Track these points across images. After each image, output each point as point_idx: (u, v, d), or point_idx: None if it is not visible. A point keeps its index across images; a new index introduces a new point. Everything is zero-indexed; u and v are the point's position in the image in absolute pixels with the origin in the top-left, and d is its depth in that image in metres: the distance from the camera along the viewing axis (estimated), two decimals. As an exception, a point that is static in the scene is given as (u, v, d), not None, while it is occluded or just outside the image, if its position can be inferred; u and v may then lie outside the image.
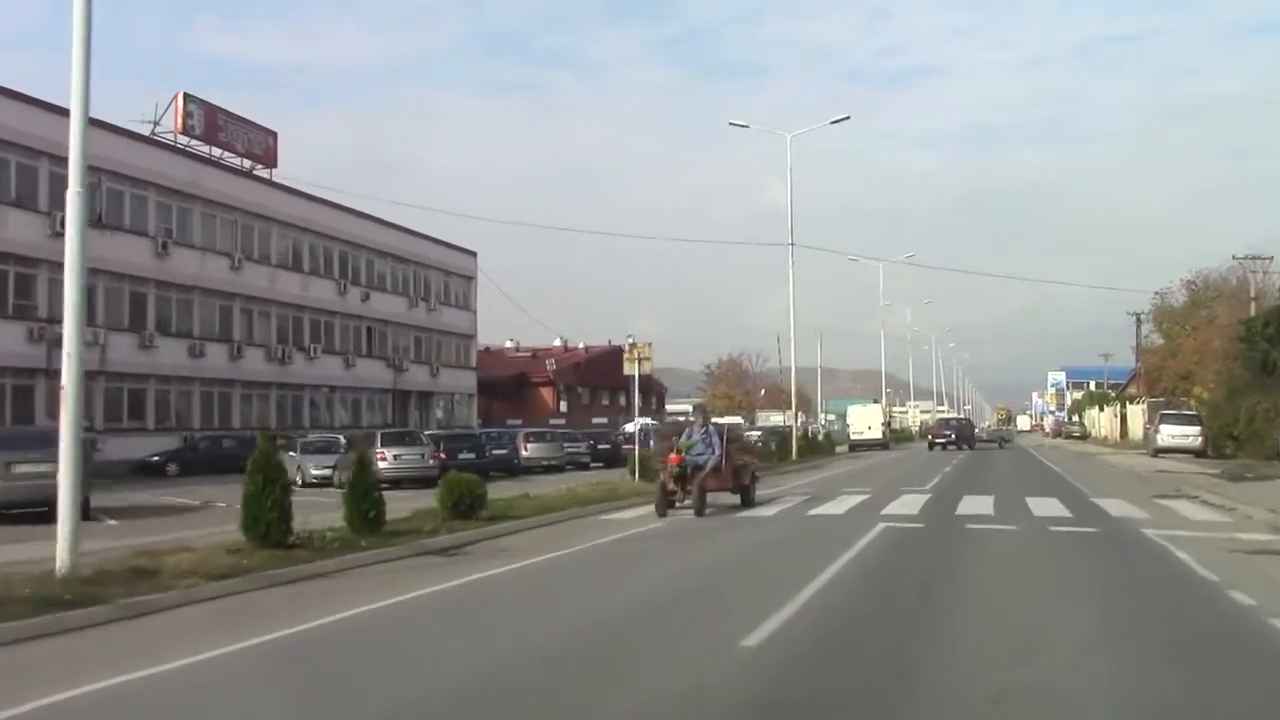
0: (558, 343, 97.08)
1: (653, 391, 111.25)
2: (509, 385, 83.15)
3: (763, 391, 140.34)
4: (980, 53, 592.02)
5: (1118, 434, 71.36)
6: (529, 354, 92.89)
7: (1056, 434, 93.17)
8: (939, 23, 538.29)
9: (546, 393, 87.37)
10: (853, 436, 66.00)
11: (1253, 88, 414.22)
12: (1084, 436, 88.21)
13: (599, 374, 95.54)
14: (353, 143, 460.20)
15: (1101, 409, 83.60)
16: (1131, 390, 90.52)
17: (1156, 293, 74.28)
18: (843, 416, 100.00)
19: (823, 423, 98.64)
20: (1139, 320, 79.50)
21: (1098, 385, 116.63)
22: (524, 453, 41.33)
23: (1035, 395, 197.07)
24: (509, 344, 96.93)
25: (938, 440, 60.00)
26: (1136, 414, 62.68)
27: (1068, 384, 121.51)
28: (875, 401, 77.45)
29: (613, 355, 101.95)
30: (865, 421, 65.70)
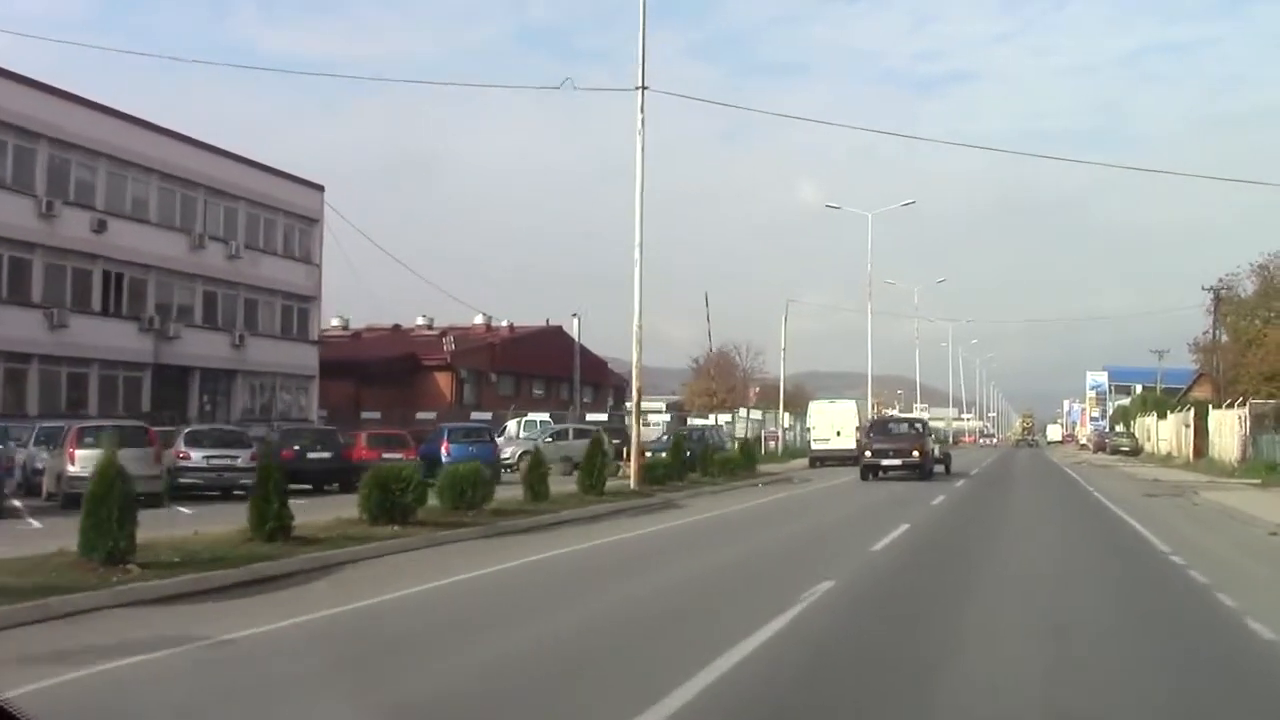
0: (479, 320, 78.31)
1: (606, 384, 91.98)
2: (387, 368, 64.22)
3: (755, 390, 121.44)
4: (1024, 59, 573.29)
5: (1190, 450, 51.57)
6: (438, 333, 74.31)
7: (1099, 448, 73.28)
8: (983, 29, 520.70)
9: (443, 379, 68.42)
10: (814, 445, 46.71)
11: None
12: (1135, 451, 68.35)
13: (530, 359, 76.74)
14: (388, 136, 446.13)
15: (1162, 416, 63.57)
16: (1198, 393, 70.75)
17: (1220, 280, 61.51)
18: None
19: (784, 426, 79.15)
20: (1216, 298, 60.06)
21: (1145, 388, 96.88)
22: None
23: (1068, 402, 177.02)
24: (421, 320, 78.38)
25: (877, 462, 32.32)
26: (1226, 423, 42.97)
27: (1110, 387, 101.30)
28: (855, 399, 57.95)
29: (550, 337, 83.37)
30: (832, 424, 46.44)
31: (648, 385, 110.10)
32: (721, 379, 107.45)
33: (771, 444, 51.22)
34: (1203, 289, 61.51)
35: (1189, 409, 54.32)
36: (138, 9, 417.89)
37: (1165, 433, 60.97)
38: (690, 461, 29.85)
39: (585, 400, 79.51)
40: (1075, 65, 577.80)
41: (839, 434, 46.42)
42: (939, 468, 34.71)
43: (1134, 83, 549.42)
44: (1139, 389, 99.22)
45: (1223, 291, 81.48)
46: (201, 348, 45.70)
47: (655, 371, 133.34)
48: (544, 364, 79.01)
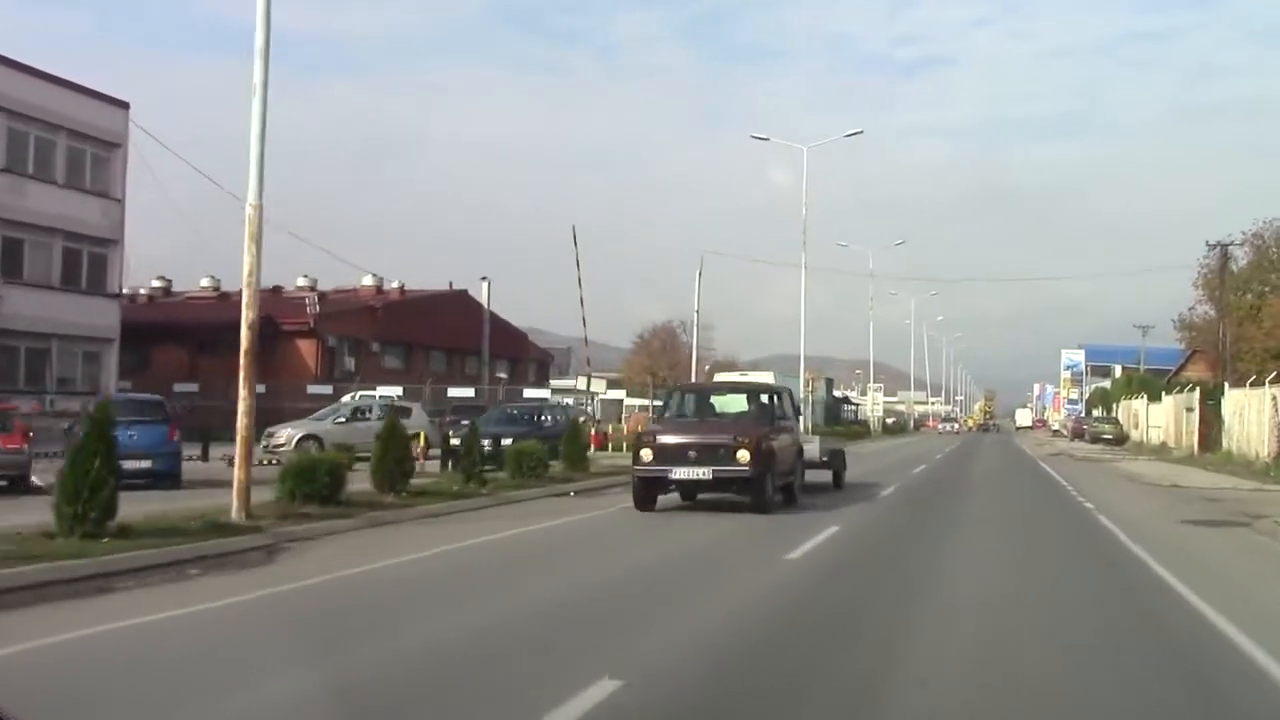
0: (368, 281, 67.55)
1: (525, 357, 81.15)
2: (231, 334, 53.07)
3: (707, 367, 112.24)
4: (1000, 44, 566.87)
5: (1193, 439, 41.64)
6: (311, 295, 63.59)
7: (1076, 435, 63.32)
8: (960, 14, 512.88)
9: (306, 347, 57.53)
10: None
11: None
12: (1120, 439, 58.53)
13: (428, 327, 66.06)
14: (362, 115, 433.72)
15: (1154, 399, 53.60)
16: (1191, 373, 61.10)
17: (1211, 248, 55.71)
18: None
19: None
20: (1224, 254, 50.43)
21: (1126, 369, 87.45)
22: None
23: (1038, 385, 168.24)
24: (302, 281, 67.44)
25: (665, 473, 16.94)
26: (1251, 406, 32.88)
27: (1087, 368, 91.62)
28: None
29: (453, 303, 72.67)
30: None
31: (591, 361, 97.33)
32: (664, 355, 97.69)
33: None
34: (1207, 244, 51.71)
35: (1190, 389, 44.41)
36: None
37: (1158, 418, 51.10)
38: (483, 457, 19.42)
39: (501, 375, 69.92)
40: (1052, 49, 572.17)
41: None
42: (818, 478, 20.84)
43: (1110, 69, 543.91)
44: (1118, 370, 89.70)
45: (1210, 264, 73.39)
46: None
47: (601, 347, 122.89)
48: (447, 334, 67.92)
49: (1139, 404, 57.47)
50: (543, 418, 25.86)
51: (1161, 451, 44.66)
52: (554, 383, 68.35)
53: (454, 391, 45.55)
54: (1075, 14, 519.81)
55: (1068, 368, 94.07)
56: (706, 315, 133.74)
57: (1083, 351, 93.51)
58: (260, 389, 17.83)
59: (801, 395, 49.88)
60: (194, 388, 45.32)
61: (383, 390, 44.49)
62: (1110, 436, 58.97)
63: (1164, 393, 50.02)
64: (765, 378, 37.62)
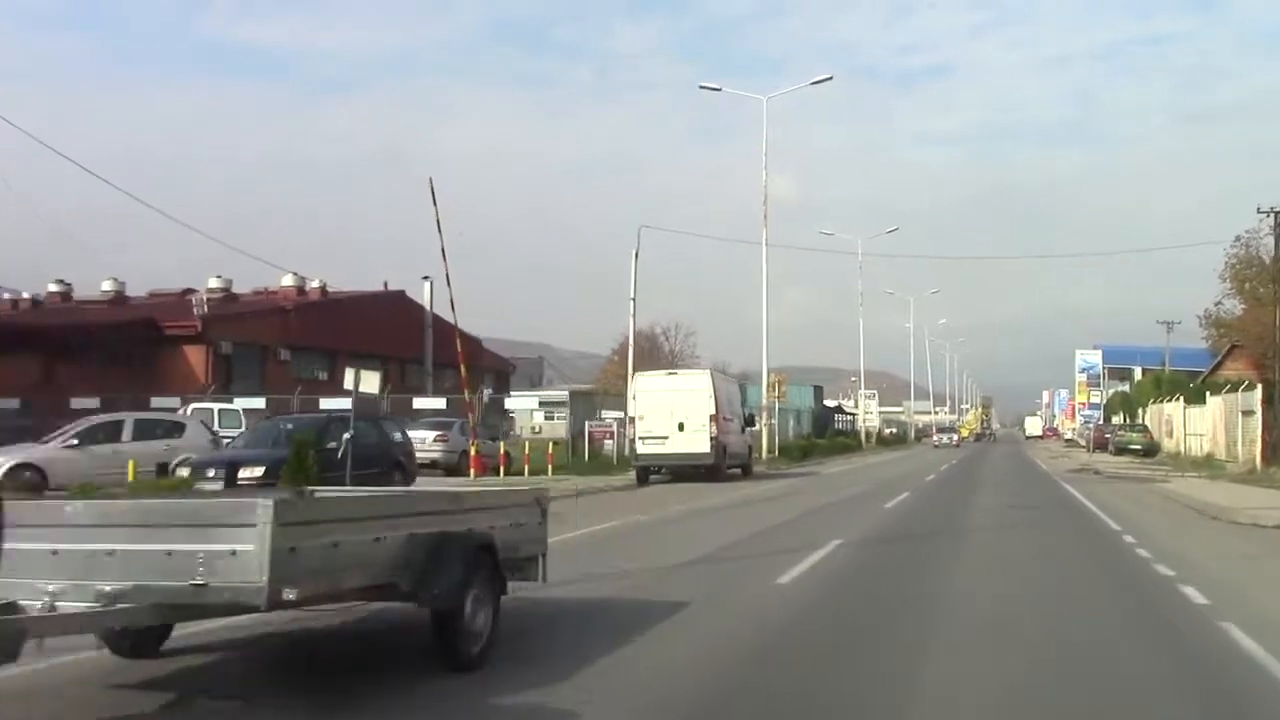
0: (288, 281, 59.21)
1: (479, 365, 72.15)
2: (110, 340, 45.18)
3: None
4: (999, 52, 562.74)
5: (1252, 450, 33.01)
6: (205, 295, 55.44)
7: (1099, 445, 54.37)
8: (959, 21, 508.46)
9: (194, 354, 49.06)
10: (641, 445, 27.57)
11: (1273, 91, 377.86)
12: (1150, 450, 49.84)
13: (360, 332, 57.55)
14: (363, 130, 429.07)
15: (1196, 400, 44.76)
16: (1230, 371, 52.73)
17: (1238, 238, 51.62)
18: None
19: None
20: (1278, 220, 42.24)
21: (1145, 371, 78.83)
22: None
23: (1047, 392, 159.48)
24: (215, 283, 59.24)
25: None
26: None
27: (1105, 370, 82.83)
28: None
29: (389, 305, 64.73)
30: (670, 411, 27.38)
31: (565, 370, 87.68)
32: (640, 363, 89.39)
33: (609, 441, 32.73)
34: (1258, 211, 43.39)
35: (1244, 387, 35.77)
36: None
37: (1199, 424, 42.46)
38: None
39: (449, 385, 61.64)
40: (1051, 57, 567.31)
41: (682, 427, 27.41)
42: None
43: (1109, 75, 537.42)
44: (1139, 373, 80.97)
45: (1236, 253, 64.86)
46: None
47: (576, 356, 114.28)
48: (382, 339, 59.31)
49: (1172, 408, 48.71)
50: (329, 436, 17.40)
51: (1210, 466, 35.99)
52: (517, 394, 60.10)
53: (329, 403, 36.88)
54: (1073, 20, 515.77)
55: (1083, 370, 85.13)
56: (690, 321, 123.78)
57: (1099, 352, 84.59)
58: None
59: (764, 400, 41.49)
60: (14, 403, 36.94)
61: (245, 403, 36.09)
62: (1139, 447, 50.27)
63: (1208, 393, 41.26)
64: (699, 377, 28.95)
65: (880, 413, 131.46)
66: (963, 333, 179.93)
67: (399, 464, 18.86)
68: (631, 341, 39.01)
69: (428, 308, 59.35)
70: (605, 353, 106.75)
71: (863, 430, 70.71)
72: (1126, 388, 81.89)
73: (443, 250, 25.76)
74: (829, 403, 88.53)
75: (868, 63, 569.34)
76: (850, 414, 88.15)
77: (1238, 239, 76.22)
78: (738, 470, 30.82)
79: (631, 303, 37.92)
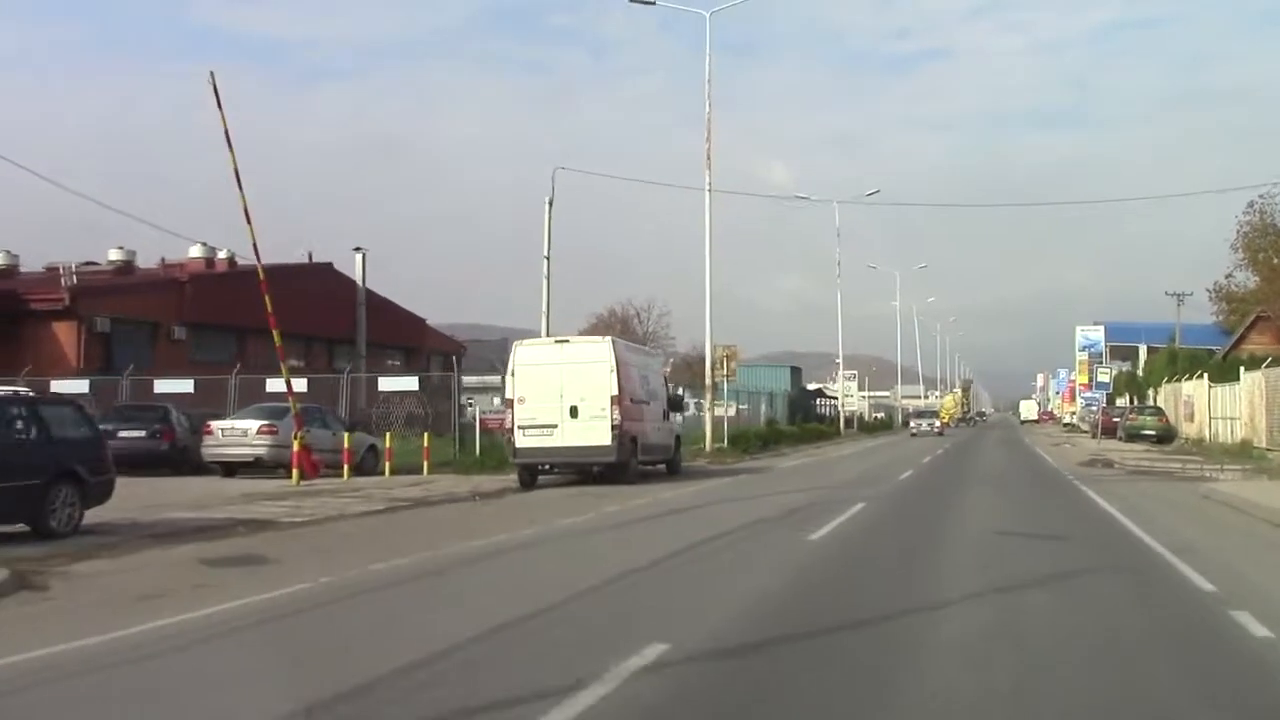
0: (196, 253, 52.27)
1: (423, 347, 65.35)
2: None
3: (670, 363, 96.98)
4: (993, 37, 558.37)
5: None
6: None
7: (1107, 431, 47.25)
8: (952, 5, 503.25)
9: (64, 331, 42.21)
10: (522, 434, 20.83)
11: (1270, 75, 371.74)
12: (1167, 437, 43.28)
13: (276, 308, 49.81)
14: (358, 117, 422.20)
15: (1228, 378, 37.94)
16: (1255, 344, 46.50)
17: (1250, 205, 51.26)
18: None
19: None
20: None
21: (1151, 349, 72.35)
22: None
23: (1041, 376, 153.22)
24: (116, 255, 52.61)
25: None
26: None
27: (1108, 349, 76.17)
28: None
29: (315, 279, 57.89)
30: (559, 392, 20.70)
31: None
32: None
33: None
34: None
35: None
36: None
37: (1230, 405, 35.84)
38: None
39: (394, 363, 55.88)
40: (1045, 42, 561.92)
41: (575, 413, 20.70)
42: None
43: (1103, 59, 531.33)
44: (1143, 351, 74.31)
45: (1249, 219, 59.20)
46: None
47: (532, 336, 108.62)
48: (305, 317, 52.28)
49: (1194, 387, 41.95)
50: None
51: (1248, 455, 29.38)
52: (470, 379, 53.41)
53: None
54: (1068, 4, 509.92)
55: (1084, 348, 78.23)
56: (663, 301, 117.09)
57: (1101, 329, 77.79)
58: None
59: (709, 377, 34.86)
60: None
61: (68, 385, 29.41)
62: (1153, 433, 43.64)
63: (1242, 369, 34.51)
64: (598, 346, 22.12)
65: (870, 397, 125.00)
66: (957, 319, 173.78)
67: (70, 473, 12.21)
68: (546, 312, 31.59)
69: (360, 282, 52.91)
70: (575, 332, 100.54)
71: (841, 415, 63.75)
72: (1129, 367, 75.24)
73: (236, 172, 18.96)
74: (812, 386, 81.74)
75: (859, 48, 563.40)
76: (833, 398, 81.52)
77: (1250, 205, 69.72)
78: (661, 466, 24.19)
79: (545, 261, 31.11)
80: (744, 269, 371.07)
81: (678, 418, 26.01)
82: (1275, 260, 67.91)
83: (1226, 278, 70.97)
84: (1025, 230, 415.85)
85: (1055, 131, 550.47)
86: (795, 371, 75.11)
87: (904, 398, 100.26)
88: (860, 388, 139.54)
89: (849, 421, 64.84)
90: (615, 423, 20.70)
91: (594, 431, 20.66)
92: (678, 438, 25.55)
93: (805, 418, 66.18)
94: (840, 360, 61.87)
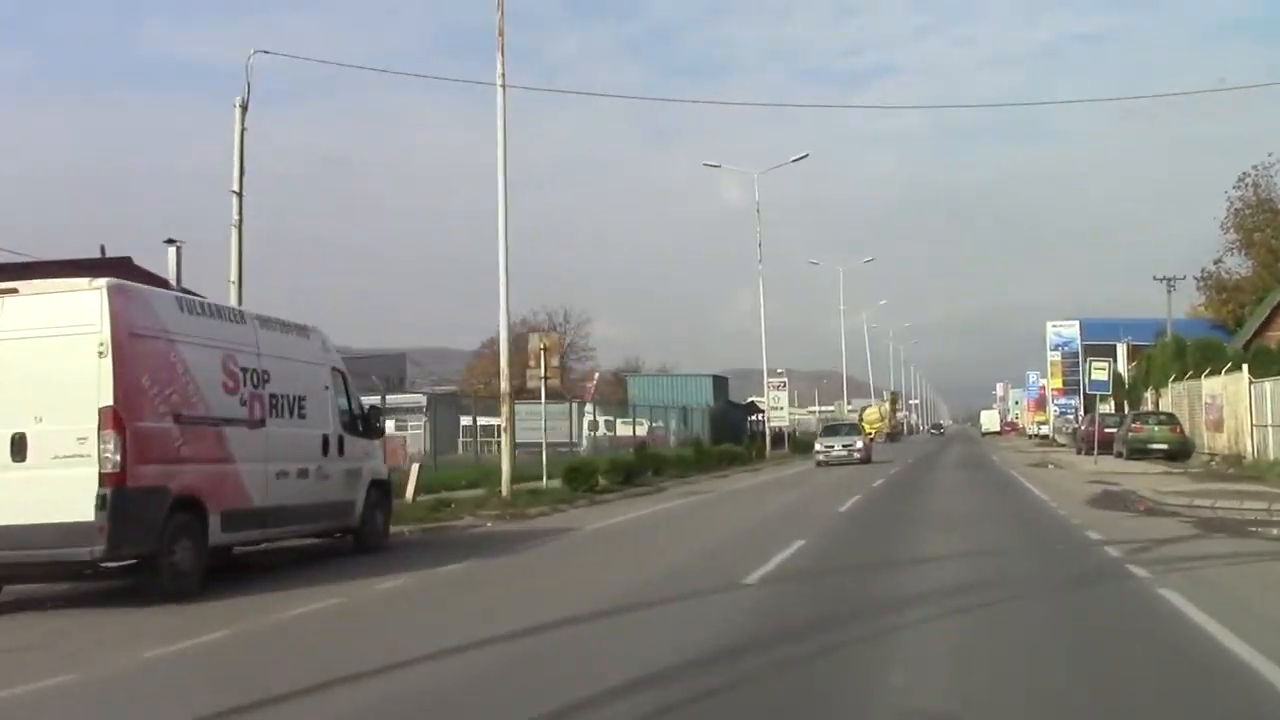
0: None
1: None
2: None
3: (595, 375, 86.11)
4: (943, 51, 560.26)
5: None
6: None
7: (1103, 444, 35.73)
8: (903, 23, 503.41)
9: None
10: None
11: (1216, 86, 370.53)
12: (1183, 451, 32.39)
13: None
14: (309, 142, 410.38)
15: (1268, 369, 26.97)
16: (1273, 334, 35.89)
17: (1242, 178, 49.07)
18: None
19: (587, 429, 44.36)
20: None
21: (1134, 347, 62.59)
22: None
23: (1001, 386, 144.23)
24: None
25: None
26: None
27: (1083, 347, 65.53)
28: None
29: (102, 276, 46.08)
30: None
31: (428, 367, 67.35)
32: (520, 359, 70.91)
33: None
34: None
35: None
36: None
37: (1269, 408, 24.95)
38: None
39: None
40: (995, 57, 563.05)
41: (17, 448, 9.31)
42: None
43: (1052, 73, 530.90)
44: (1121, 350, 63.91)
45: (1240, 195, 55.50)
46: None
47: (438, 353, 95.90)
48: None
49: (1221, 384, 30.68)
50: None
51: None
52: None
53: None
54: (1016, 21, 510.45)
55: (1056, 346, 67.34)
56: (587, 308, 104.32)
57: (1077, 324, 67.02)
58: None
59: (504, 381, 23.64)
60: None
61: None
62: (1163, 445, 32.71)
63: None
64: (77, 299, 10.60)
65: (819, 413, 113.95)
66: (912, 326, 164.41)
67: None
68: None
69: (173, 280, 41.23)
70: (469, 349, 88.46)
71: (767, 433, 52.12)
72: (1104, 368, 64.74)
73: None
74: (750, 400, 70.70)
75: (814, 65, 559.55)
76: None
77: (1242, 178, 60.97)
78: (337, 535, 12.91)
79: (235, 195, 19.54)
80: (702, 285, 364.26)
81: (372, 448, 14.39)
82: (1274, 241, 57.71)
83: (1216, 263, 60.88)
84: (981, 241, 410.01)
85: (1005, 146, 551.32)
86: (719, 382, 63.78)
87: (851, 412, 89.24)
88: (809, 404, 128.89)
89: (777, 440, 53.34)
90: (112, 467, 9.29)
91: (57, 490, 9.28)
92: (376, 484, 14.06)
93: (736, 436, 55.15)
94: (764, 364, 50.47)
